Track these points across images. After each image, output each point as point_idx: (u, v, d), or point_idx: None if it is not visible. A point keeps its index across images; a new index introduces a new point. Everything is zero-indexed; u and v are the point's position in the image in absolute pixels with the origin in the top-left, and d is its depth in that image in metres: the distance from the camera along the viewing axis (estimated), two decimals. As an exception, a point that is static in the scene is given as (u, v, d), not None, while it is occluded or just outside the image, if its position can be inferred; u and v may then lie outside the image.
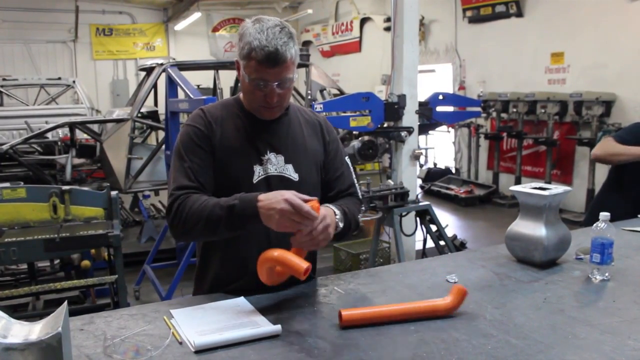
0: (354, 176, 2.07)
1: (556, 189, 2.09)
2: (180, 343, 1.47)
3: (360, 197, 2.07)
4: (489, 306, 1.70)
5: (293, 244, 1.63)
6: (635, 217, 2.82)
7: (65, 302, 1.26)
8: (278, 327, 1.52)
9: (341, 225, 1.75)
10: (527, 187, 2.14)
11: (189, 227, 1.71)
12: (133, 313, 1.67)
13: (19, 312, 4.16)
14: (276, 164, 1.85)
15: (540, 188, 2.10)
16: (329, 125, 2.05)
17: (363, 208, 2.05)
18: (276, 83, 1.73)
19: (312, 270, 2.01)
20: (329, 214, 1.66)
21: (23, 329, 1.19)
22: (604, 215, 1.97)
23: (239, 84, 1.99)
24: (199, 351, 1.41)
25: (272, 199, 1.59)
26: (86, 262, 4.35)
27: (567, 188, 2.15)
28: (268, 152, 1.85)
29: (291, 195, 1.58)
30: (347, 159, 2.06)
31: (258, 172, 1.82)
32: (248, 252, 1.79)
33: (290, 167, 1.87)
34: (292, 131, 1.92)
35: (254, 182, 1.81)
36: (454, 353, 1.40)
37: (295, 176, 1.86)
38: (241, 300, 1.73)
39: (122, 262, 3.54)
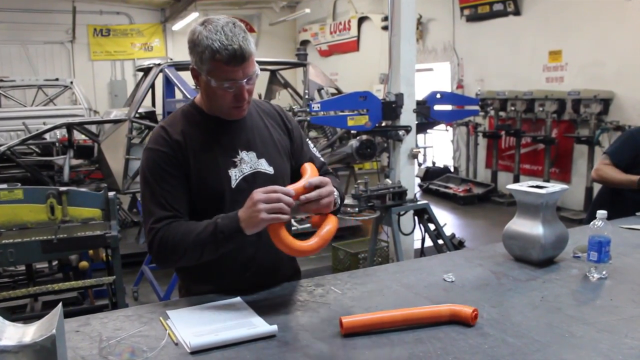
0: (319, 156, 2.09)
1: (553, 187, 2.08)
2: (176, 344, 1.46)
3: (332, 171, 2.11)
4: (486, 305, 1.70)
5: (303, 209, 1.66)
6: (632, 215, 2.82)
7: (60, 304, 1.25)
8: (274, 327, 1.51)
9: (338, 201, 1.80)
10: (524, 185, 2.14)
11: (175, 257, 1.71)
12: (129, 314, 1.67)
13: (17, 313, 4.16)
14: (249, 161, 1.83)
15: (537, 186, 2.10)
16: (287, 113, 2.04)
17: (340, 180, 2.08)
18: (244, 80, 1.69)
19: (297, 271, 2.04)
20: (331, 193, 1.69)
21: (17, 331, 1.18)
22: (601, 213, 1.97)
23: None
24: (195, 352, 1.41)
25: (247, 202, 1.61)
26: (84, 263, 4.34)
27: (564, 186, 2.14)
28: (239, 151, 1.82)
29: (259, 189, 1.60)
30: (309, 141, 2.08)
31: (235, 176, 1.80)
32: (242, 255, 1.80)
33: (263, 161, 1.85)
34: (256, 125, 1.90)
35: (233, 186, 1.79)
36: (450, 352, 1.40)
37: (270, 169, 1.85)
38: (237, 301, 1.73)
39: (120, 263, 3.53)
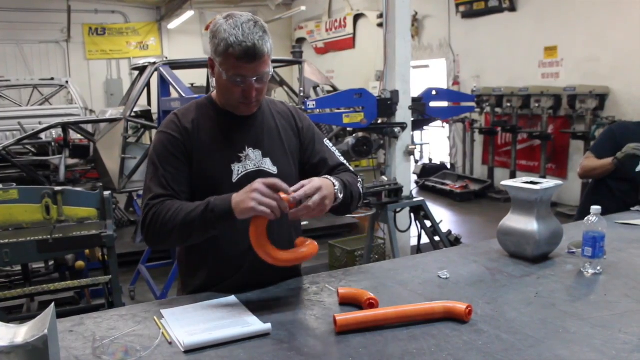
0: (339, 155, 2.04)
1: (547, 183, 2.09)
2: (170, 343, 1.46)
3: (354, 171, 2.04)
4: (480, 301, 1.70)
5: (290, 216, 1.63)
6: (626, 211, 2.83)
7: (53, 304, 1.25)
8: (268, 325, 1.51)
9: (341, 196, 1.75)
10: (518, 181, 2.14)
11: (164, 233, 1.70)
12: (123, 314, 1.66)
13: (13, 313, 4.16)
14: (254, 159, 1.85)
15: (531, 182, 2.10)
16: (300, 113, 2.04)
17: (360, 179, 2.03)
18: (254, 78, 1.72)
19: (297, 270, 2.02)
20: (326, 185, 1.66)
21: (9, 331, 1.18)
22: (595, 208, 1.97)
23: (212, 83, 1.96)
24: (189, 351, 1.41)
25: (246, 187, 1.60)
26: (80, 263, 4.34)
27: (558, 182, 2.14)
28: (246, 147, 1.85)
29: (264, 180, 1.59)
30: (326, 141, 2.05)
31: (237, 170, 1.82)
32: (236, 250, 1.79)
33: (268, 160, 1.87)
34: (267, 124, 1.92)
35: (234, 181, 1.81)
36: (444, 349, 1.40)
37: (273, 169, 1.86)
38: (232, 299, 1.73)
39: (116, 262, 3.53)
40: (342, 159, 2.04)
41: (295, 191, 1.61)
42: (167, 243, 1.79)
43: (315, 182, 1.64)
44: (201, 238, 1.71)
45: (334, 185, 1.72)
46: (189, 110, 1.88)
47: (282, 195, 1.60)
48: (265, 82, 1.78)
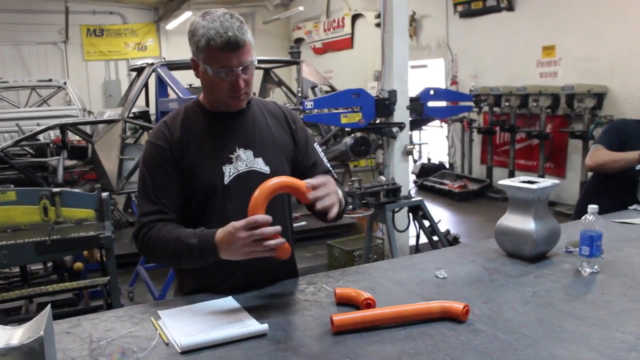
0: (326, 162, 2.06)
1: (544, 182, 2.09)
2: (167, 344, 1.46)
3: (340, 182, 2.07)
4: (477, 301, 1.70)
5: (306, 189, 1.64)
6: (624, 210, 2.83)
7: (49, 306, 1.25)
8: (265, 326, 1.51)
9: (334, 215, 1.76)
10: (515, 181, 2.14)
11: (156, 258, 1.87)
12: (120, 315, 1.66)
13: (12, 315, 4.15)
14: (246, 159, 1.84)
15: (528, 182, 2.10)
16: (293, 114, 2.04)
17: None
18: (240, 68, 1.72)
19: (294, 270, 2.03)
20: (336, 202, 1.69)
21: (5, 333, 1.18)
22: (592, 207, 1.97)
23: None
24: (185, 352, 1.40)
25: (227, 234, 1.59)
26: (78, 264, 4.34)
27: (555, 181, 2.14)
28: (237, 148, 1.84)
29: (237, 222, 1.57)
30: (316, 145, 2.06)
31: (228, 172, 1.81)
32: None
33: (260, 160, 1.86)
34: (258, 124, 1.91)
35: (225, 183, 1.81)
36: (441, 349, 1.40)
37: (266, 169, 1.86)
38: (229, 300, 1.72)
39: (114, 264, 3.52)
40: (329, 165, 2.07)
41: (314, 188, 1.63)
42: (160, 263, 1.84)
43: (333, 197, 1.66)
44: (193, 267, 1.75)
45: (339, 206, 1.74)
46: (177, 115, 1.88)
47: (297, 182, 1.61)
48: (251, 73, 1.78)
